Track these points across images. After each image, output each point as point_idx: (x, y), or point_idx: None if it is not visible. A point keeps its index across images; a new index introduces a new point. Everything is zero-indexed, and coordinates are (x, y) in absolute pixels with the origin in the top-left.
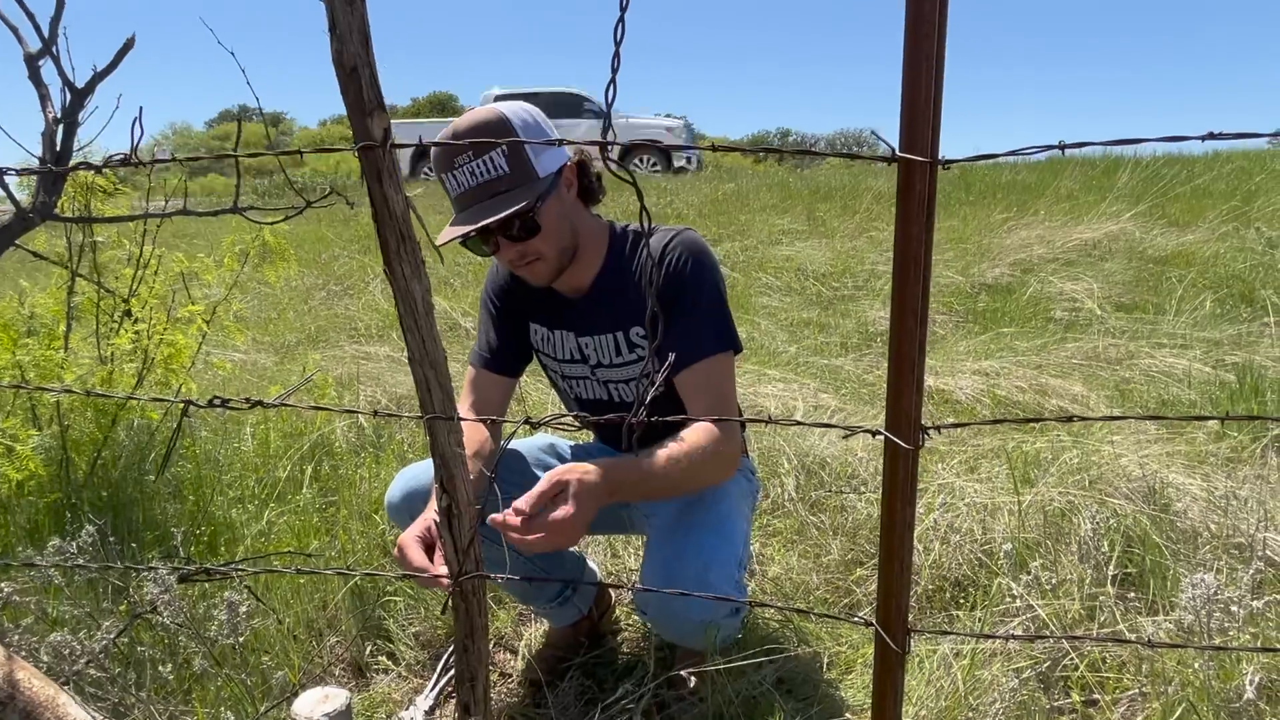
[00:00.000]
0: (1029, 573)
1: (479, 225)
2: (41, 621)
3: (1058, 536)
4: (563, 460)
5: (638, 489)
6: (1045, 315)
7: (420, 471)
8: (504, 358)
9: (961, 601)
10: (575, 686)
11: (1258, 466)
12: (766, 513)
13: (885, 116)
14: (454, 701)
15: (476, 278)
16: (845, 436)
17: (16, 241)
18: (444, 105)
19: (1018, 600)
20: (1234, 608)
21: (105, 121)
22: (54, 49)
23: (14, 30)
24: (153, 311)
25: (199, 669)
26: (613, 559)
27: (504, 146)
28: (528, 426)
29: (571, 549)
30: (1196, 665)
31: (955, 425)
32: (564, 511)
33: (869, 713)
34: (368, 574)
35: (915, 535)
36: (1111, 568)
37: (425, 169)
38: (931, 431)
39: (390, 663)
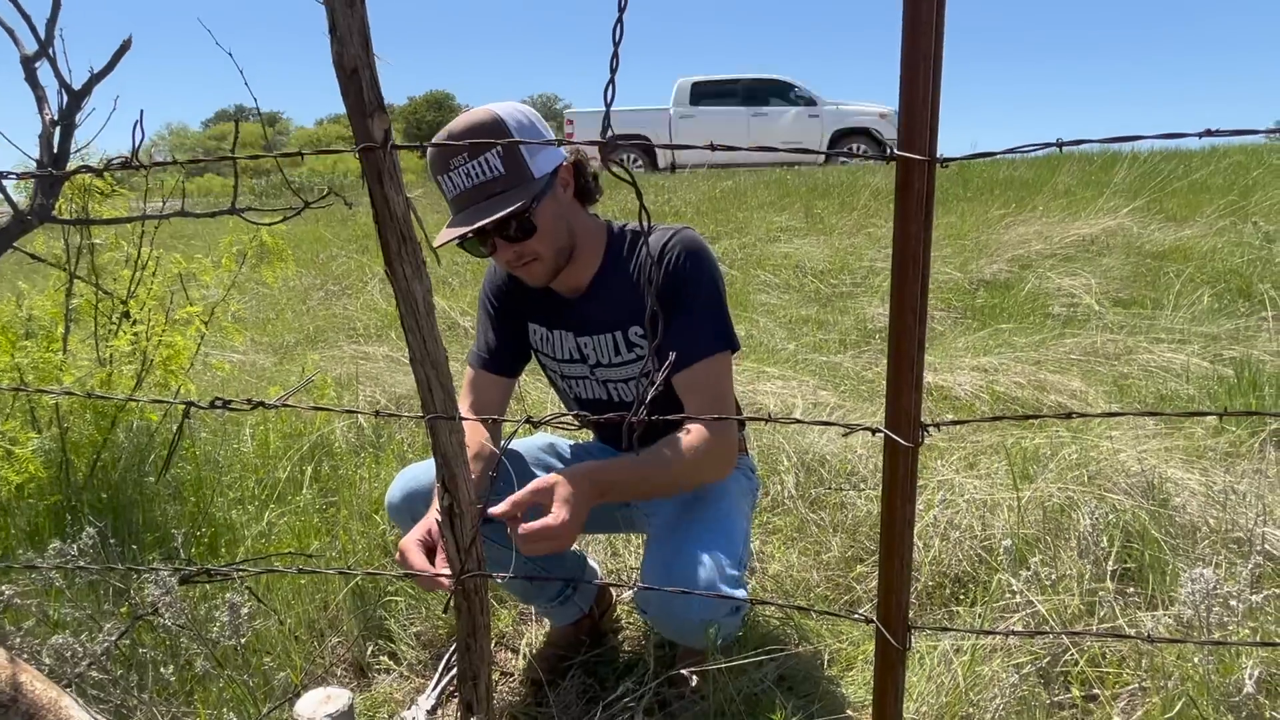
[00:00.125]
0: (1029, 568)
1: (475, 226)
2: (43, 624)
3: (1057, 532)
4: (563, 459)
5: (630, 489)
6: (1043, 311)
7: (420, 472)
8: (502, 358)
9: (961, 598)
10: (577, 685)
11: (1256, 461)
12: (766, 510)
13: None
14: (456, 701)
15: (475, 277)
16: (845, 434)
17: (14, 244)
18: (441, 104)
19: (1018, 596)
20: (1233, 602)
21: (103, 123)
22: (50, 51)
23: (10, 32)
24: (151, 313)
25: (201, 670)
26: (613, 558)
27: (499, 148)
28: (527, 426)
29: (572, 548)
30: (1196, 660)
31: (954, 422)
32: (553, 517)
33: (870, 709)
34: (369, 573)
35: (915, 532)
36: (1111, 563)
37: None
38: (931, 429)
39: (392, 663)
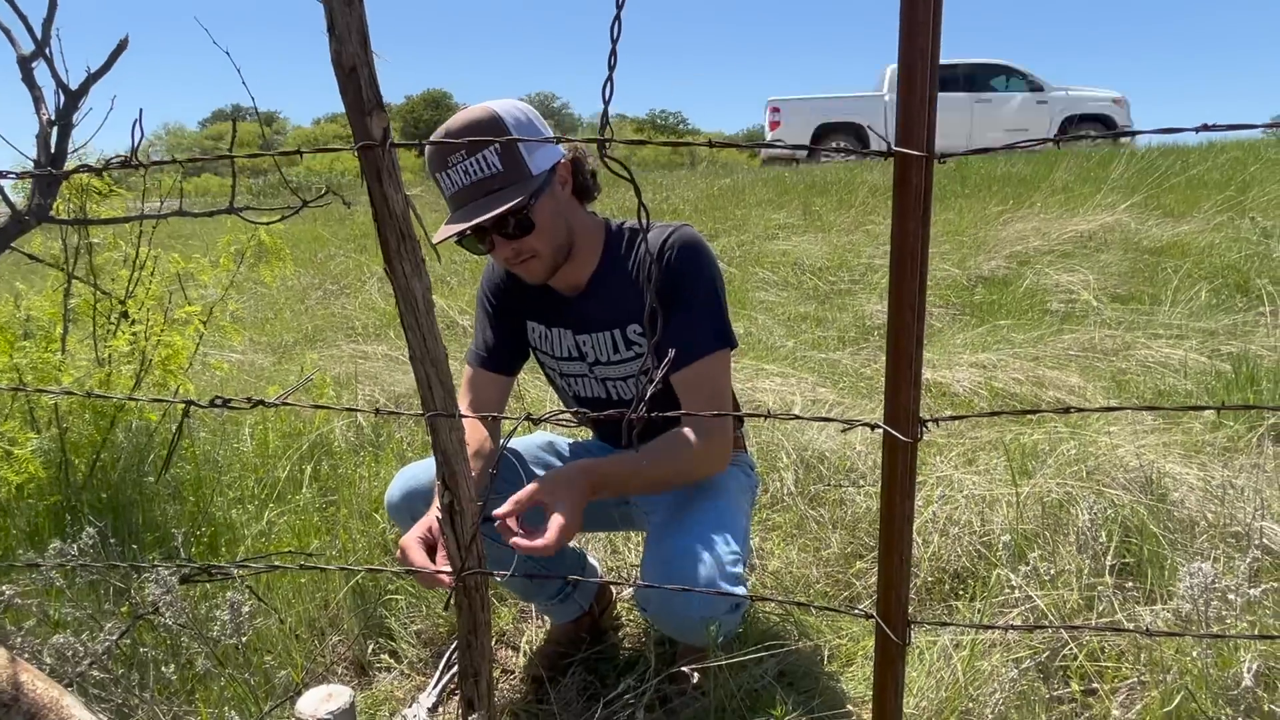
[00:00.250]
0: (1028, 564)
1: (473, 223)
2: (44, 624)
3: (1056, 527)
4: (562, 457)
5: (625, 484)
6: (1041, 307)
7: (420, 471)
8: (501, 356)
9: (961, 593)
10: (577, 682)
11: (1254, 455)
12: (766, 507)
13: None
14: (457, 699)
15: (473, 276)
16: (844, 430)
17: (12, 244)
18: (438, 102)
19: (1016, 591)
20: (1231, 596)
21: (100, 123)
22: (47, 50)
23: (6, 32)
24: (149, 313)
25: (202, 669)
26: (613, 555)
27: (497, 145)
28: (526, 424)
29: (571, 545)
30: (1195, 653)
31: (953, 418)
32: (548, 536)
33: (870, 704)
34: (370, 570)
35: (914, 528)
36: (1109, 558)
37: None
38: (930, 424)
39: (393, 661)
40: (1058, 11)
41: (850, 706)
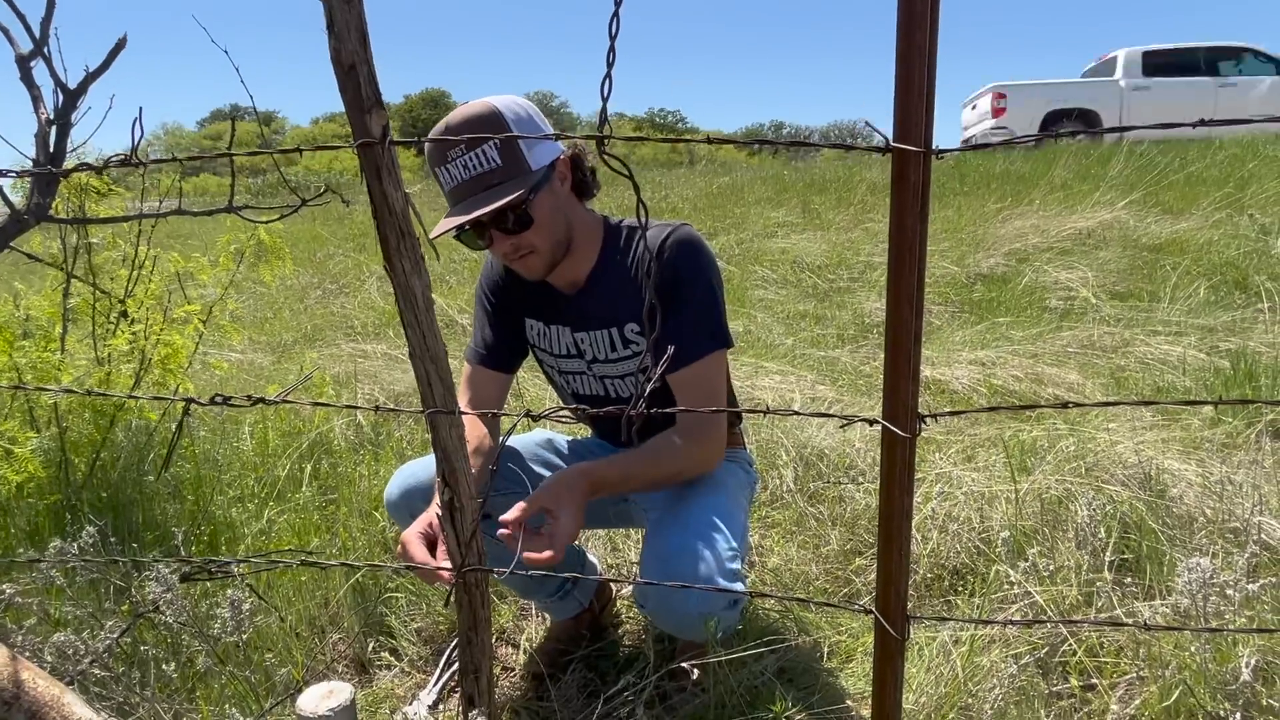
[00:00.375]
0: (1027, 560)
1: (472, 217)
2: (44, 622)
3: (1055, 524)
4: (561, 455)
5: (621, 484)
6: (1040, 304)
7: (419, 469)
8: (500, 353)
9: (960, 589)
10: (577, 679)
11: (1252, 451)
12: (765, 504)
13: (879, 108)
14: (457, 696)
15: (472, 274)
16: (843, 426)
17: (11, 243)
18: (437, 101)
19: (1015, 587)
20: (1230, 591)
21: (99, 122)
22: (45, 50)
23: (5, 31)
24: (149, 312)
25: (202, 667)
26: (613, 552)
27: (497, 140)
28: (525, 422)
29: (571, 544)
30: (1193, 648)
31: (951, 413)
32: (554, 529)
33: (870, 700)
34: (371, 566)
35: (914, 524)
36: (1108, 554)
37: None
38: (928, 420)
39: (393, 658)
40: (1056, 11)
41: (850, 702)
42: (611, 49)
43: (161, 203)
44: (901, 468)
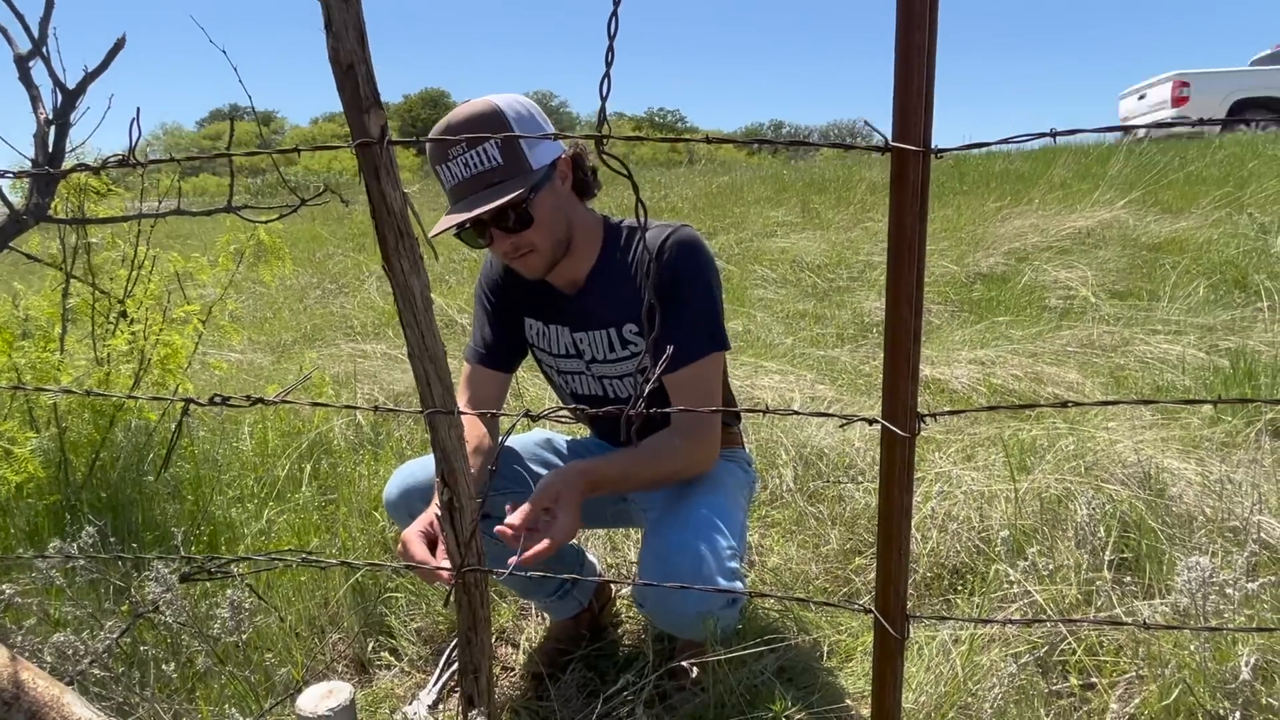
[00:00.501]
0: (1026, 559)
1: (473, 215)
2: (44, 622)
3: (1054, 523)
4: (560, 455)
5: (619, 483)
6: (1040, 304)
7: (417, 469)
8: (499, 353)
9: (960, 588)
10: (577, 679)
11: (1252, 450)
12: (765, 504)
13: (879, 107)
14: (457, 696)
15: (471, 274)
16: (842, 426)
17: (10, 244)
18: (436, 101)
19: (1015, 586)
20: (1229, 590)
21: (97, 122)
22: (44, 50)
23: (4, 31)
24: (148, 312)
25: (202, 667)
26: (613, 552)
27: (498, 138)
28: (524, 422)
29: (570, 543)
30: (1192, 647)
31: (950, 413)
32: (558, 524)
33: (869, 699)
34: (371, 565)
35: (913, 523)
36: (1108, 553)
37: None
38: (928, 419)
39: (393, 658)
40: (1056, 11)
41: (849, 701)
42: (610, 48)
43: (161, 203)
44: (901, 467)
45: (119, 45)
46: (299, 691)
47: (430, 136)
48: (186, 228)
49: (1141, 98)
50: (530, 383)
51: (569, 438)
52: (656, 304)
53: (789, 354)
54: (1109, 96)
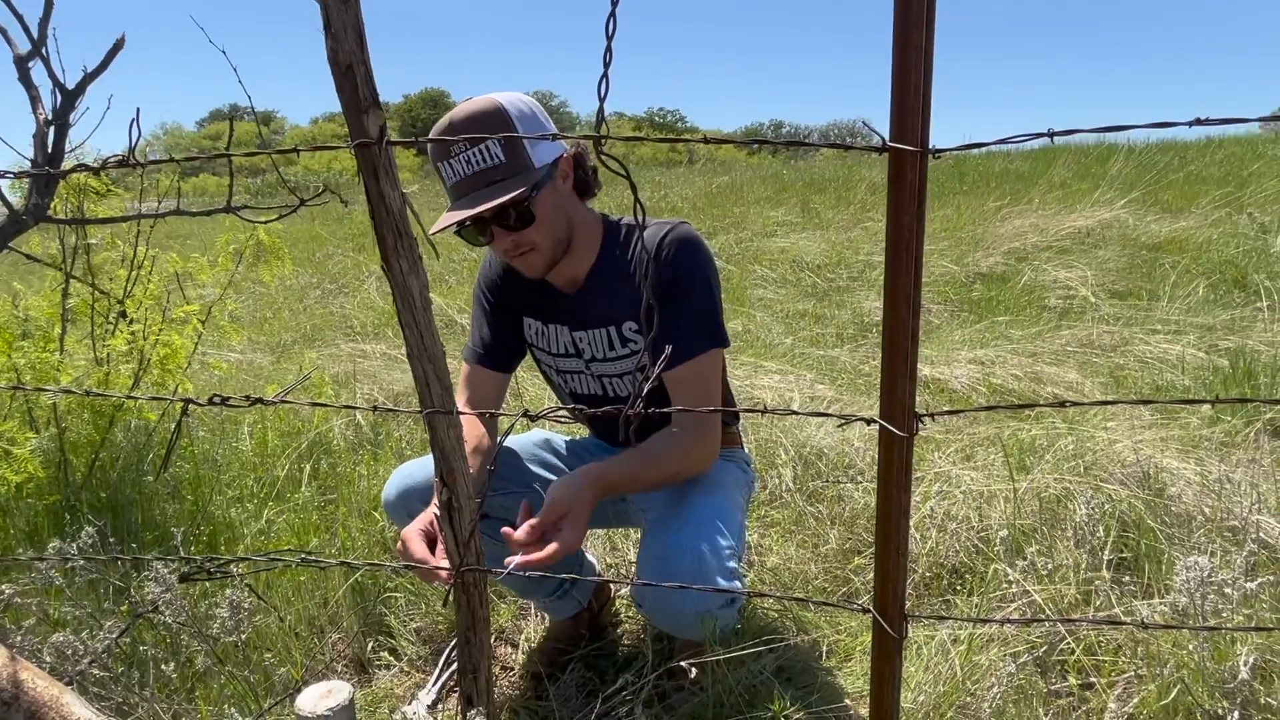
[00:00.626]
0: (1025, 558)
1: (474, 212)
2: (43, 623)
3: (1053, 522)
4: (559, 455)
5: (625, 485)
6: (1039, 303)
7: (416, 469)
8: (498, 352)
9: (959, 588)
10: (576, 678)
11: (1251, 450)
12: (764, 504)
13: (878, 107)
14: (456, 696)
15: (471, 274)
16: (840, 425)
17: (10, 244)
18: (436, 101)
19: (1014, 586)
20: (1228, 589)
21: (97, 122)
22: (43, 50)
23: (3, 32)
24: (148, 312)
25: (202, 667)
26: (612, 552)
27: (500, 136)
28: (523, 422)
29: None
30: (1191, 647)
31: (948, 412)
32: (566, 534)
33: (868, 699)
34: (370, 565)
35: (912, 524)
36: (1107, 552)
37: None
38: (926, 419)
39: (392, 658)
40: (1057, 13)
41: (848, 701)
42: (608, 49)
43: (160, 203)
44: (899, 467)
45: (118, 45)
46: (298, 691)
47: (431, 134)
48: (186, 228)
49: None
50: (529, 383)
51: (568, 438)
52: (655, 303)
53: (788, 354)
54: (1108, 96)
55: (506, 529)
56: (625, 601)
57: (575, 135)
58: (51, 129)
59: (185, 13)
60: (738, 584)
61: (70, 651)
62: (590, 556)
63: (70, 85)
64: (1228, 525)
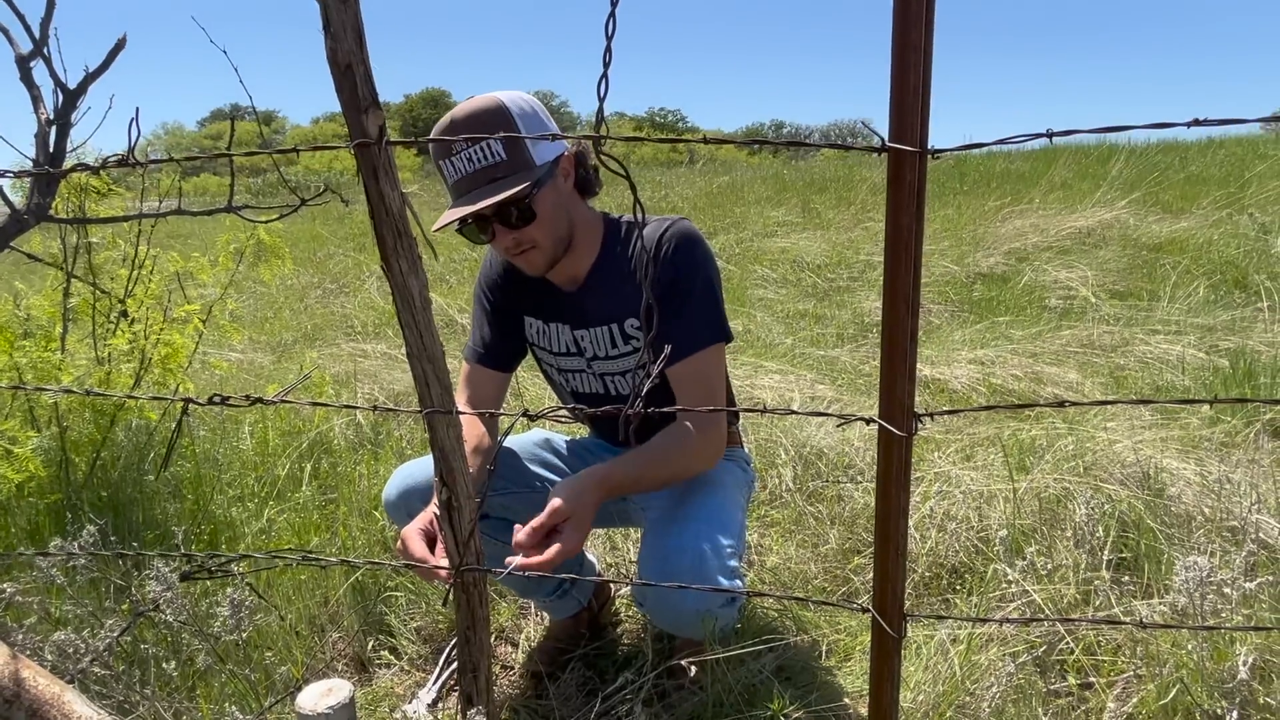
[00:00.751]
0: (1024, 558)
1: (476, 208)
2: (45, 621)
3: (1053, 522)
4: (559, 454)
5: (630, 486)
6: (1040, 304)
7: (417, 469)
8: (498, 352)
9: (958, 588)
10: (576, 678)
11: (1250, 450)
12: (764, 503)
13: (879, 107)
14: (456, 695)
15: (471, 273)
16: (840, 425)
17: (11, 243)
18: (437, 101)
19: (1013, 586)
20: (1227, 589)
21: (98, 122)
22: (45, 50)
23: (5, 32)
24: (149, 312)
25: (203, 665)
26: (612, 551)
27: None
28: (523, 421)
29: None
30: (1190, 647)
31: (947, 412)
32: (567, 536)
33: (867, 699)
34: (371, 564)
35: (912, 524)
36: (1106, 552)
37: None
38: (926, 419)
39: (393, 657)
40: (1057, 14)
41: (847, 700)
42: (608, 49)
43: (161, 202)
44: (898, 466)
45: (120, 45)
46: (299, 689)
47: (433, 132)
48: (187, 227)
49: None
50: (530, 382)
51: (568, 437)
52: (655, 300)
53: (789, 354)
54: (1109, 95)
55: (517, 548)
56: (625, 601)
57: (575, 135)
58: (53, 128)
59: (186, 12)
60: (739, 583)
61: (71, 650)
62: (590, 556)
63: (72, 85)
64: (1227, 525)
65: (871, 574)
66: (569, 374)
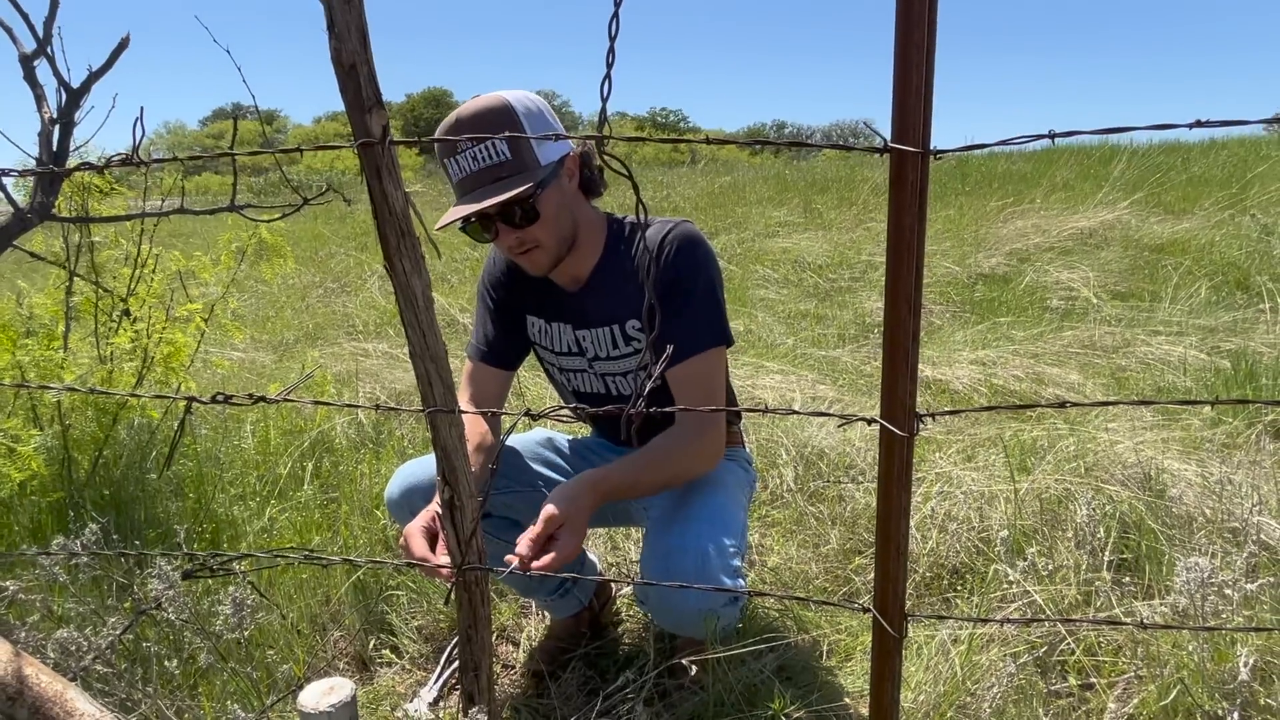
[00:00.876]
0: (1026, 559)
1: (479, 207)
2: (47, 619)
3: (1054, 523)
4: (561, 454)
5: (629, 490)
6: (1041, 304)
7: (419, 468)
8: (501, 351)
9: (959, 589)
10: (577, 677)
11: (1252, 452)
12: (765, 503)
13: (881, 108)
14: (457, 693)
15: (474, 273)
16: (841, 425)
17: (14, 242)
18: (439, 101)
19: (1014, 586)
20: (1228, 590)
21: (101, 121)
22: (49, 49)
23: (8, 31)
24: (151, 310)
25: (204, 664)
26: (613, 551)
27: (506, 134)
28: (525, 421)
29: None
30: (1191, 647)
31: (948, 412)
32: (564, 542)
33: (868, 698)
34: (372, 563)
35: (913, 524)
36: (1107, 553)
37: None
38: (927, 419)
39: (394, 656)
40: (1058, 15)
41: (848, 700)
42: (611, 50)
43: (164, 201)
44: (899, 467)
45: (123, 45)
46: (301, 688)
47: (438, 131)
48: (189, 226)
49: None
50: (532, 382)
51: (570, 437)
52: (657, 302)
53: (790, 354)
54: (1111, 95)
55: (511, 556)
56: (626, 600)
57: (578, 135)
58: (56, 127)
59: (190, 12)
60: (741, 583)
61: (74, 647)
62: (591, 555)
63: (75, 84)
64: (1228, 527)
65: (872, 574)
66: (570, 373)
